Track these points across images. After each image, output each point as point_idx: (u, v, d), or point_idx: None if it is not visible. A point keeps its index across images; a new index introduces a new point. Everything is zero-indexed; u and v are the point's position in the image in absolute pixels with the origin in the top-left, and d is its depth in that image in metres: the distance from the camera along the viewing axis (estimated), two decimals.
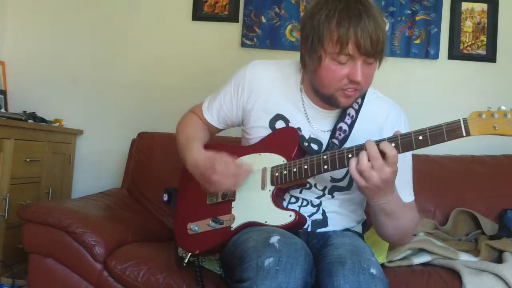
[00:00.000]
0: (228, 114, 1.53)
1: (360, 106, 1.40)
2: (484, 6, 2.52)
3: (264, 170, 1.37)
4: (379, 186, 1.17)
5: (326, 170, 1.26)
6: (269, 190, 1.34)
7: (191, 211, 1.47)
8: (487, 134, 1.10)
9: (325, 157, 1.26)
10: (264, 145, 1.42)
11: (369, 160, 1.16)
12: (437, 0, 2.51)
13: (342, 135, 1.37)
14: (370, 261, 1.18)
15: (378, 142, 1.17)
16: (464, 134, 1.11)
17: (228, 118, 1.54)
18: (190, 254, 1.44)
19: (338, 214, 1.44)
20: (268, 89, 1.45)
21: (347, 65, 1.25)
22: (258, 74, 1.47)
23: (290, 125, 1.42)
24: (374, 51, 1.23)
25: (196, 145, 1.46)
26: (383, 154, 1.15)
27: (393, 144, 1.16)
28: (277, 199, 1.34)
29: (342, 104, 1.33)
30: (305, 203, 1.42)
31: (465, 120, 1.11)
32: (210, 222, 1.39)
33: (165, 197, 1.59)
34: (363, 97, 1.41)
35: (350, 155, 1.22)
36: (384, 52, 1.27)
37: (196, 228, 1.43)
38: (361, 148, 1.20)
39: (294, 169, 1.31)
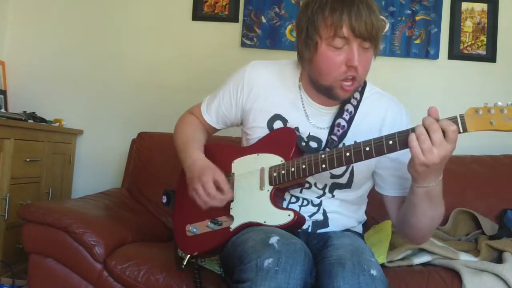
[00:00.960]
0: (227, 114, 1.53)
1: (359, 102, 1.40)
2: (484, 6, 2.52)
3: (262, 170, 1.37)
4: (436, 164, 1.12)
5: (324, 169, 1.26)
6: (268, 190, 1.34)
7: (190, 213, 1.47)
8: (484, 130, 1.09)
9: (323, 156, 1.26)
10: (262, 146, 1.42)
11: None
12: (437, 0, 2.51)
13: (341, 131, 1.38)
14: (370, 262, 1.18)
15: (437, 119, 1.12)
16: (461, 130, 1.10)
17: (227, 118, 1.54)
18: (189, 256, 1.44)
19: (339, 214, 1.44)
20: (266, 89, 1.45)
21: (343, 50, 1.25)
22: (256, 74, 1.47)
23: (288, 125, 1.42)
24: (369, 35, 1.23)
25: (193, 148, 1.47)
26: (442, 131, 1.10)
27: (391, 142, 1.16)
28: (276, 199, 1.34)
29: (341, 95, 1.33)
30: (305, 202, 1.42)
31: (462, 116, 1.11)
32: (209, 223, 1.40)
33: (164, 199, 1.59)
34: (362, 93, 1.41)
35: (348, 154, 1.21)
36: (379, 38, 1.28)
37: (195, 229, 1.43)
38: (359, 146, 1.20)
39: (292, 169, 1.31)
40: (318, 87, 1.36)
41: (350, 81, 1.29)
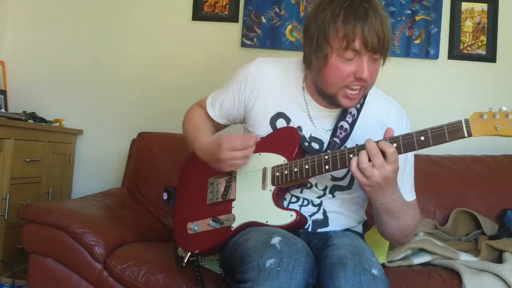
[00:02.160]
0: (230, 109, 1.53)
1: (361, 105, 1.40)
2: (484, 6, 2.52)
3: (264, 170, 1.37)
4: (381, 184, 1.17)
5: (327, 170, 1.26)
6: (270, 190, 1.34)
7: (191, 211, 1.48)
8: (489, 135, 1.10)
9: (326, 157, 1.26)
10: (264, 145, 1.41)
11: (369, 160, 1.16)
12: (437, 0, 2.51)
13: (343, 133, 1.37)
14: (371, 261, 1.18)
15: (377, 141, 1.18)
16: (466, 135, 1.11)
17: (230, 114, 1.54)
18: (189, 253, 1.44)
19: (339, 214, 1.44)
20: (270, 87, 1.45)
21: (353, 62, 1.25)
22: (261, 72, 1.47)
23: (291, 123, 1.42)
24: (380, 48, 1.23)
25: (205, 131, 1.49)
26: (383, 152, 1.16)
27: (395, 145, 1.17)
28: (278, 199, 1.34)
29: (345, 105, 1.33)
30: (305, 202, 1.42)
31: (466, 120, 1.11)
32: (210, 221, 1.39)
33: (165, 196, 1.59)
34: (364, 96, 1.41)
35: (351, 155, 1.21)
36: (389, 49, 1.27)
37: (196, 227, 1.43)
38: (362, 147, 1.20)
39: (295, 169, 1.31)
40: (323, 95, 1.36)
41: (357, 90, 1.30)
